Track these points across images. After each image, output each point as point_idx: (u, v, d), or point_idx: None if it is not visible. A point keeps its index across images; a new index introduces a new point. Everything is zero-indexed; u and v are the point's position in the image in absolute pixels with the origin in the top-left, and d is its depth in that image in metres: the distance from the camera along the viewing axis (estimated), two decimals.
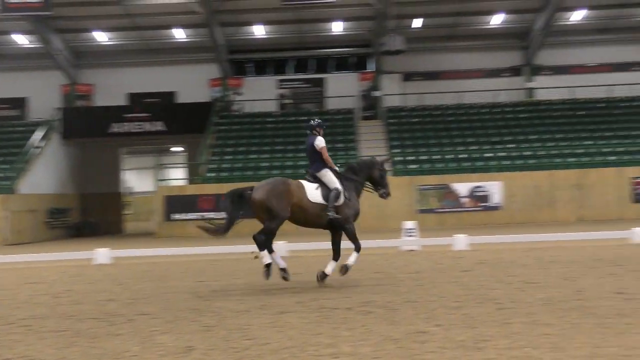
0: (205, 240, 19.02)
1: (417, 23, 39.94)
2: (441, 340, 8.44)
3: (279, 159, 35.19)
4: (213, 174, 34.20)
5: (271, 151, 36.31)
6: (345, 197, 13.02)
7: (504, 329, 8.90)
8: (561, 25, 40.16)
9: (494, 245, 19.44)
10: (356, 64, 42.81)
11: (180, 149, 47.41)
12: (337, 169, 13.28)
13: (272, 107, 41.80)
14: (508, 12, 39.16)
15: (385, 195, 13.78)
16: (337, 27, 40.63)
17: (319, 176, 13.01)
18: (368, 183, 13.68)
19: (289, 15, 38.53)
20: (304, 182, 12.96)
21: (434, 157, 33.94)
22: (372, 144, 35.99)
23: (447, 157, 33.85)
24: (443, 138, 36.26)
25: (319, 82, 42.41)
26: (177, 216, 31.36)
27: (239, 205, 12.71)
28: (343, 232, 13.09)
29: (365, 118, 40.52)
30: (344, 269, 12.98)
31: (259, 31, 41.00)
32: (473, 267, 15.00)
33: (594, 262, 14.97)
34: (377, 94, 41.13)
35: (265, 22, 40.04)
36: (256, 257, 12.80)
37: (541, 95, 40.90)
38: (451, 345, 8.19)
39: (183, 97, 41.51)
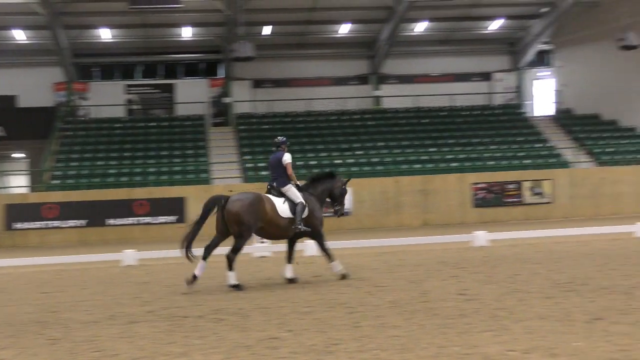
0: (49, 249, 18.34)
1: (266, 30, 40.17)
2: (293, 345, 8.52)
3: (127, 165, 34.41)
4: (58, 182, 33.02)
5: (119, 157, 35.45)
6: (310, 209, 13.68)
7: (354, 332, 9.08)
8: (406, 36, 41.48)
9: (343, 250, 19.77)
10: (206, 70, 42.54)
11: (22, 155, 45.42)
12: (298, 183, 13.92)
13: (119, 112, 40.82)
14: (355, 22, 40.06)
15: (338, 213, 14.49)
16: (187, 33, 40.24)
17: (283, 191, 13.60)
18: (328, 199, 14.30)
19: (136, 19, 37.77)
20: (272, 197, 13.50)
21: None
22: (222, 150, 35.85)
23: (297, 163, 34.20)
24: (293, 145, 36.57)
25: (169, 88, 41.83)
26: (18, 225, 30.06)
27: (210, 213, 13.25)
28: (315, 242, 14.02)
29: (216, 124, 40.32)
30: (343, 277, 13.80)
31: (105, 34, 39.93)
32: (323, 273, 15.21)
33: (438, 265, 15.53)
34: (227, 100, 41.02)
35: (112, 26, 39.07)
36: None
37: (388, 104, 42.09)
38: (303, 350, 8.28)
39: (25, 101, 39.81)
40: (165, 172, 33.71)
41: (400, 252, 18.25)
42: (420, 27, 41.41)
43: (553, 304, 10.31)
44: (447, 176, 32.33)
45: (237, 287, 12.99)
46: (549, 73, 45.01)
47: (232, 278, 13.06)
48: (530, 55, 43.65)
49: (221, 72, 42.02)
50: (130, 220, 29.41)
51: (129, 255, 19.03)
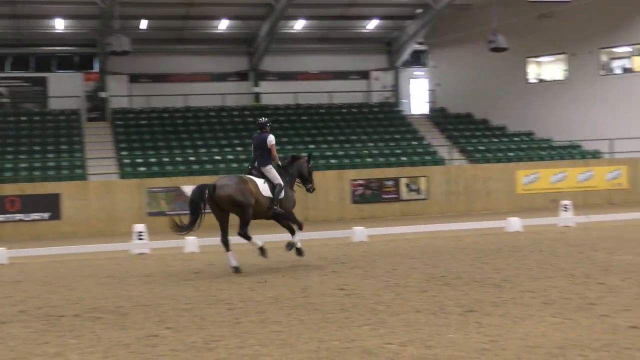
0: None
1: (143, 24, 39.41)
2: (172, 343, 8.44)
3: None
4: None
5: None
6: (284, 191, 14.56)
7: (234, 328, 9.08)
8: (285, 33, 41.59)
9: (215, 247, 19.64)
10: (81, 64, 41.34)
11: None
12: (279, 164, 14.74)
13: None
14: (234, 18, 39.86)
15: (311, 189, 15.65)
16: (60, 25, 38.97)
17: (264, 171, 14.43)
18: (298, 179, 15.30)
19: (5, 10, 36.26)
20: (253, 178, 14.31)
21: (163, 159, 33.68)
22: (99, 146, 34.97)
23: (176, 159, 33.76)
24: (172, 141, 36.13)
25: (41, 81, 40.38)
26: None
27: (203, 201, 13.88)
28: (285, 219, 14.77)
29: (91, 119, 39.26)
30: (291, 246, 14.81)
31: None
32: (204, 269, 15.12)
33: (319, 261, 15.69)
34: (103, 95, 40.03)
35: None
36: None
37: (267, 100, 42.13)
38: (182, 347, 8.22)
39: None
40: (38, 167, 32.58)
41: (279, 248, 18.33)
42: (299, 25, 41.63)
43: (428, 298, 10.60)
44: (327, 173, 32.66)
45: (262, 251, 14.39)
46: (424, 73, 46.23)
47: (259, 242, 14.37)
48: (406, 55, 44.67)
49: (96, 66, 40.95)
50: (1, 217, 28.29)
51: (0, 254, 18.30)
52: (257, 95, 42.44)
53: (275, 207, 14.34)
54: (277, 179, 14.48)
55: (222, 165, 33.20)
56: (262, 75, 42.83)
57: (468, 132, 39.78)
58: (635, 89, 36.37)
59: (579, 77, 38.28)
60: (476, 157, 36.14)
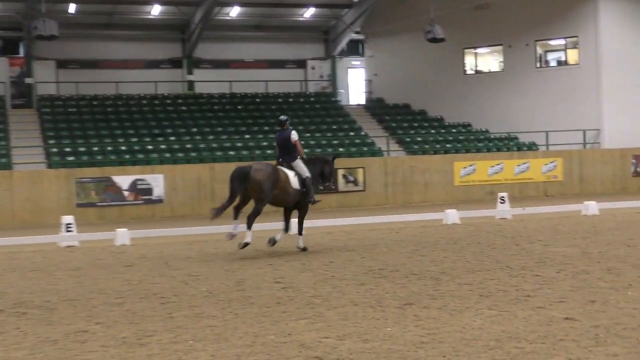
0: None
1: (72, 8, 38.64)
2: (103, 338, 8.32)
3: None
4: None
5: None
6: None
7: (167, 323, 8.99)
8: (220, 20, 41.27)
9: (156, 239, 19.49)
10: (5, 48, 40.36)
11: None
12: (304, 157, 15.91)
13: None
14: (166, 3, 39.35)
15: (327, 187, 16.99)
16: None
17: (293, 166, 15.49)
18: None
19: None
20: (285, 169, 15.38)
21: (93, 148, 33.10)
22: (25, 134, 34.15)
23: (107, 149, 33.22)
24: (102, 129, 35.52)
25: None
26: None
27: (241, 183, 14.90)
28: (298, 211, 15.86)
29: (17, 106, 38.38)
30: (272, 242, 15.54)
31: None
32: (135, 262, 14.94)
33: (255, 253, 15.61)
34: (29, 81, 39.15)
35: None
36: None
37: (201, 89, 41.76)
38: (113, 342, 8.10)
39: None
40: None
41: (215, 241, 18.23)
42: (234, 12, 41.37)
43: (366, 291, 10.67)
44: None
45: (245, 245, 15.07)
46: (361, 62, 46.45)
47: (248, 237, 15.02)
48: (343, 44, 44.84)
49: (22, 51, 40.01)
50: None
51: None
52: (190, 84, 42.05)
53: (309, 199, 15.53)
54: (306, 172, 15.55)
55: (154, 155, 32.83)
56: (196, 63, 42.45)
57: (406, 123, 40.11)
58: (569, 82, 37.18)
59: (515, 69, 38.96)
60: (414, 148, 36.47)
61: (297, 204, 15.76)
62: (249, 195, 15.12)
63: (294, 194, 15.42)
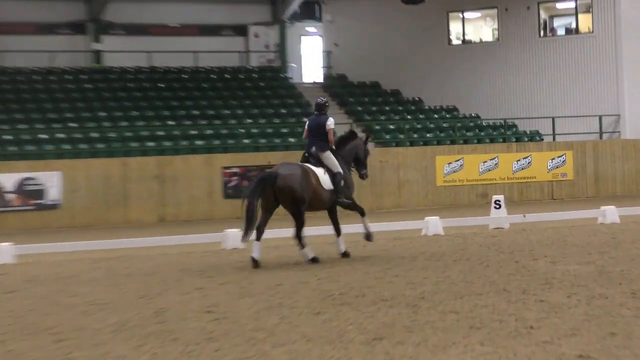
0: None
1: None
2: None
3: None
4: None
5: None
6: (343, 179, 16.59)
7: None
8: None
9: (50, 255, 19.26)
10: None
11: None
12: (334, 148, 16.82)
13: None
14: None
15: (365, 176, 17.83)
16: None
17: (322, 157, 16.53)
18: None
19: None
20: (313, 167, 16.32)
21: None
22: None
23: None
24: None
25: None
26: None
27: (263, 189, 15.83)
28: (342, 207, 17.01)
29: None
30: (370, 237, 17.32)
31: None
32: (21, 287, 14.75)
33: (179, 274, 15.50)
34: None
35: None
36: None
37: (112, 61, 41.41)
38: None
39: None
40: None
41: (128, 258, 18.03)
42: None
43: (323, 322, 10.60)
44: (191, 157, 32.40)
45: (314, 260, 16.14)
46: (318, 30, 46.45)
47: (309, 253, 16.28)
48: (295, 5, 44.71)
49: None
50: None
51: None
52: (97, 54, 41.71)
53: (339, 199, 16.53)
54: (337, 166, 16.54)
55: (49, 147, 32.47)
56: (104, 28, 42.16)
57: (374, 106, 40.23)
58: (581, 55, 37.52)
59: (513, 39, 39.31)
60: (385, 138, 36.56)
61: (335, 202, 16.81)
62: (274, 205, 16.15)
63: (327, 195, 16.47)
